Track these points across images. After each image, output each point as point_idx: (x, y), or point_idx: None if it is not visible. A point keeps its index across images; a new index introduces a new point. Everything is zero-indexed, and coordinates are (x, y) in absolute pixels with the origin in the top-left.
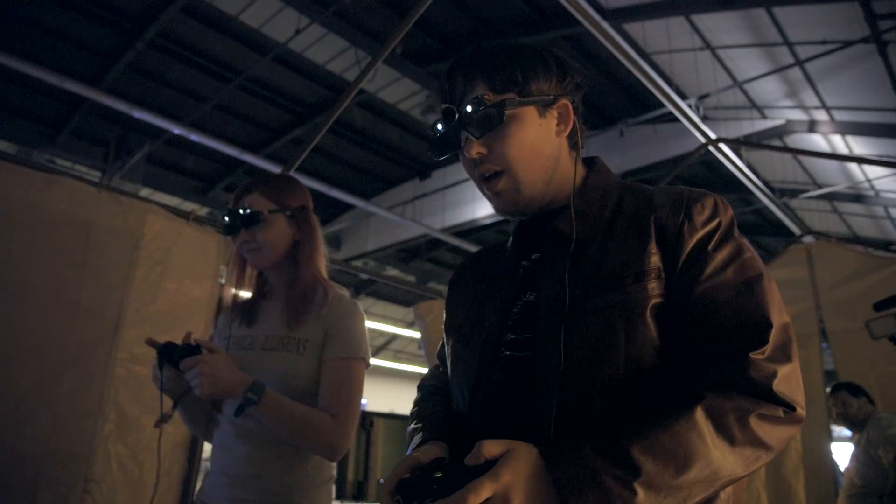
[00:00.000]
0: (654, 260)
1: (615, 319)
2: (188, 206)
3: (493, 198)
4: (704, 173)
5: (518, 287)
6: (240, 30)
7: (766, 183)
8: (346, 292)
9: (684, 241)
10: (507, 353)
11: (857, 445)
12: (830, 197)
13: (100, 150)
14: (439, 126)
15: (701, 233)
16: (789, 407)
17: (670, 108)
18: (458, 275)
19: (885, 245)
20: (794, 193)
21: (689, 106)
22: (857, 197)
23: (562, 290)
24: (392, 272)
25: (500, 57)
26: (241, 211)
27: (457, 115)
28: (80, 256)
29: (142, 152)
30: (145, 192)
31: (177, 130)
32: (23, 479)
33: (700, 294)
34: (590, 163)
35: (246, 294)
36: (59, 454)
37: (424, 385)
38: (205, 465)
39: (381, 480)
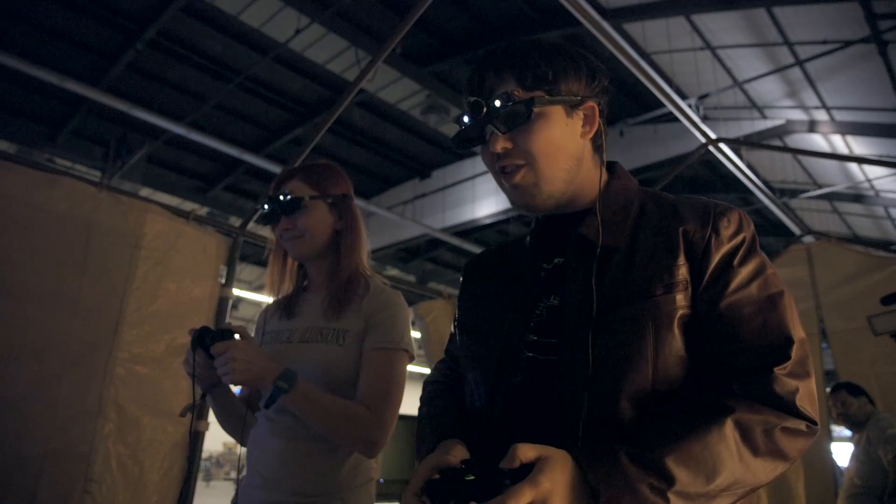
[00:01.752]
0: (683, 272)
1: (644, 329)
2: (188, 205)
3: (511, 189)
4: (704, 173)
5: (540, 290)
6: (240, 30)
7: (766, 183)
8: (387, 283)
9: (711, 255)
10: (530, 354)
11: (856, 445)
12: (830, 197)
13: (100, 150)
14: (465, 118)
15: (727, 247)
16: (812, 422)
17: (670, 107)
18: (471, 270)
19: (886, 245)
20: (794, 193)
21: (690, 106)
22: (858, 197)
23: (589, 297)
24: (392, 272)
25: (532, 54)
26: (280, 197)
27: (485, 109)
28: (81, 256)
29: (142, 152)
30: (145, 191)
31: (177, 130)
32: (23, 479)
33: (725, 308)
34: (610, 167)
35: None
36: (60, 454)
37: (431, 381)
38: (205, 465)
39: (382, 481)
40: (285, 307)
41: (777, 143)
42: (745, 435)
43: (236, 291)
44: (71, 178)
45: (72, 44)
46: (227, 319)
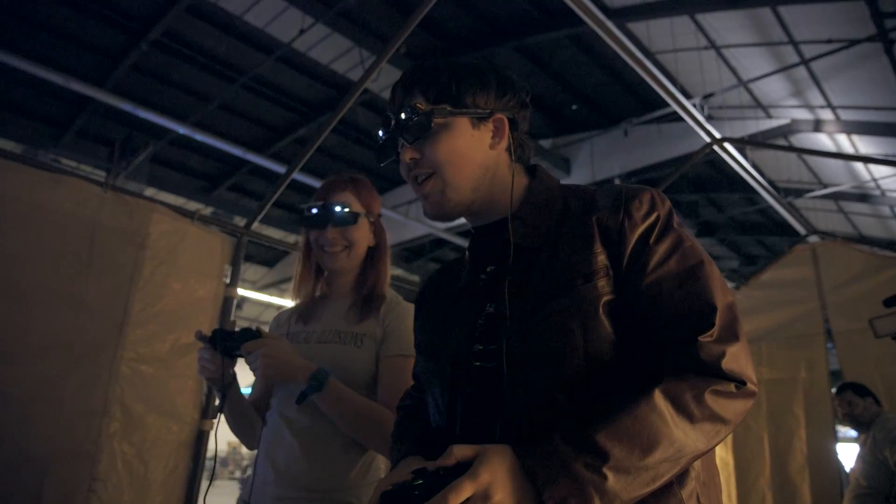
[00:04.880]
0: (601, 259)
1: (570, 321)
2: (193, 205)
3: (423, 200)
4: (709, 173)
5: (480, 300)
6: (244, 30)
7: (771, 182)
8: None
9: (626, 238)
10: (477, 364)
11: (862, 446)
12: (836, 196)
13: (105, 150)
14: (380, 133)
15: (641, 228)
16: (740, 382)
17: (675, 107)
18: (421, 295)
19: (891, 245)
20: (799, 193)
21: (694, 105)
22: (863, 196)
23: (515, 298)
24: (396, 272)
25: (439, 71)
26: (337, 208)
27: (393, 122)
28: (86, 256)
29: (146, 152)
30: (150, 191)
31: (181, 130)
32: (29, 478)
33: (647, 286)
34: (532, 171)
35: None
36: (65, 453)
37: (402, 406)
38: (209, 464)
39: None
40: (303, 311)
41: (782, 142)
42: (677, 403)
43: (241, 291)
44: (76, 178)
45: (77, 44)
46: (232, 319)
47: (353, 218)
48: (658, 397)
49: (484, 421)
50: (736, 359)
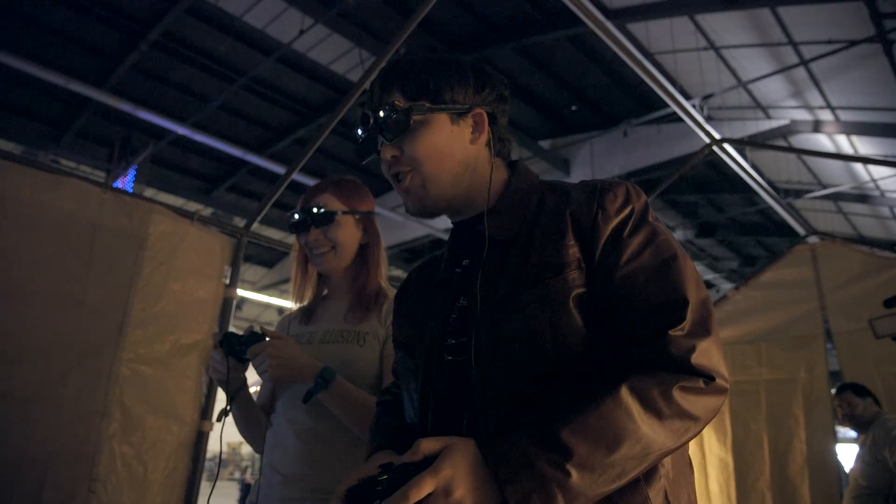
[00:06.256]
0: (573, 252)
1: (539, 313)
2: (192, 206)
3: (404, 196)
4: (709, 174)
5: (453, 293)
6: (244, 30)
7: (770, 183)
8: None
9: (600, 231)
10: (449, 358)
11: (862, 446)
12: (835, 197)
13: (104, 151)
14: (360, 131)
15: (615, 221)
16: (708, 377)
17: (674, 108)
18: (402, 290)
19: (891, 245)
20: (798, 194)
21: (694, 106)
22: (862, 197)
23: (486, 291)
24: (396, 272)
25: (416, 67)
26: (314, 209)
27: (372, 120)
28: (86, 257)
29: (146, 153)
30: (149, 192)
31: (181, 131)
32: (28, 479)
33: (620, 280)
34: (513, 166)
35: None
36: (65, 454)
37: (380, 401)
38: (209, 465)
39: None
40: (305, 313)
41: (781, 143)
42: (644, 400)
43: (240, 292)
44: (76, 178)
45: (77, 45)
46: (231, 320)
47: (330, 217)
48: (625, 393)
49: (454, 416)
50: (706, 354)
